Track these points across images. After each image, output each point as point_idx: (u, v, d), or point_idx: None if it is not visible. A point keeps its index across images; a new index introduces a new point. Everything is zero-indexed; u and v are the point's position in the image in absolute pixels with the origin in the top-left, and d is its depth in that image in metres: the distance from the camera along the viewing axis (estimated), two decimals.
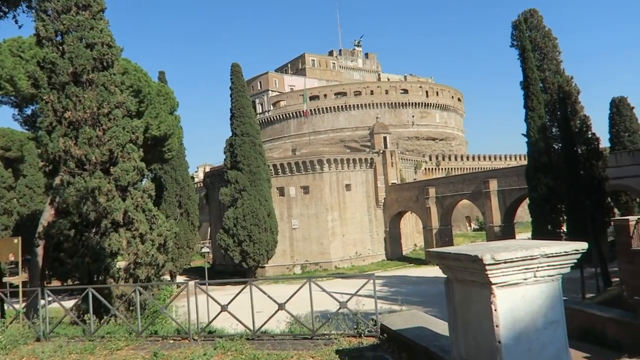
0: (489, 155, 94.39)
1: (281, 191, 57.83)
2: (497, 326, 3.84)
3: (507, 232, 48.32)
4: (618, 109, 54.24)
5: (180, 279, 48.71)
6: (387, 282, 41.86)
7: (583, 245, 4.10)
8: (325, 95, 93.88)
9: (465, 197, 54.57)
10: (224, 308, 6.66)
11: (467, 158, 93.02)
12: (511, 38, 35.91)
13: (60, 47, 17.35)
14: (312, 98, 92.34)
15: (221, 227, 49.45)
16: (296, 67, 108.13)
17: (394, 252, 60.29)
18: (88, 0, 17.76)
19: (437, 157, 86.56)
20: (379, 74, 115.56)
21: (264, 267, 51.95)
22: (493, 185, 49.69)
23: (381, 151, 62.40)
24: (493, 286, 3.85)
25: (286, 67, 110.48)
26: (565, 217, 31.85)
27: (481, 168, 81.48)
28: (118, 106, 18.03)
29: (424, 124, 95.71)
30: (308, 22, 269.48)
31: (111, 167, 17.53)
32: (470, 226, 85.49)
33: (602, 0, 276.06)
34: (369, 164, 61.47)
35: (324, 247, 56.68)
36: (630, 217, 14.29)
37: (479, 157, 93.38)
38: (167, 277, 44.30)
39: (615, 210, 47.20)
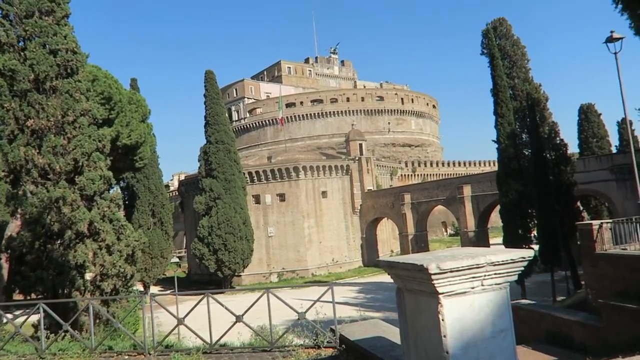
0: (464, 162, 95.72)
1: (257, 199, 57.51)
2: (444, 336, 3.78)
3: (481, 237, 48.92)
4: (586, 115, 55.69)
5: (154, 289, 47.84)
6: (363, 288, 41.87)
7: (529, 253, 4.09)
8: (301, 103, 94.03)
9: (440, 202, 55.10)
10: (180, 321, 6.47)
11: (443, 164, 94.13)
12: (481, 46, 36.57)
13: (23, 54, 16.91)
14: (289, 105, 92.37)
15: (196, 236, 48.83)
16: (272, 74, 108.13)
17: (371, 259, 60.45)
18: (51, 6, 17.38)
19: (412, 164, 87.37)
20: (355, 82, 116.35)
21: (240, 275, 51.43)
22: (467, 190, 50.30)
23: (357, 158, 62.71)
24: (440, 296, 3.80)
25: (262, 74, 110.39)
26: (535, 222, 32.42)
27: (456, 174, 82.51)
28: (84, 114, 17.63)
29: (399, 130, 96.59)
30: (284, 29, 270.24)
31: (76, 177, 17.09)
32: (447, 231, 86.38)
33: (569, 7, 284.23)
34: (345, 171, 61.69)
35: (300, 255, 56.48)
36: (593, 222, 14.57)
37: (454, 163, 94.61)
38: (140, 288, 43.45)
39: (585, 214, 48.34)
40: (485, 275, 3.89)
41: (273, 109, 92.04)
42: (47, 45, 17.02)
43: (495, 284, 3.96)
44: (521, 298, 24.47)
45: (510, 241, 31.32)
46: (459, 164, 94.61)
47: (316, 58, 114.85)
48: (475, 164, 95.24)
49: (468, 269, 3.78)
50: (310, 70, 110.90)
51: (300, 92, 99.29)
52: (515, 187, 31.67)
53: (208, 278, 50.76)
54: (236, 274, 48.67)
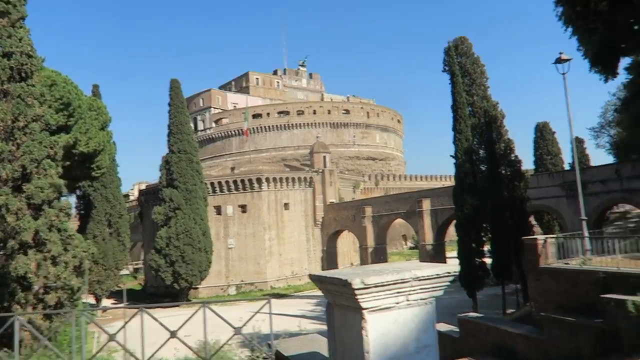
0: (426, 176, 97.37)
1: (218, 210, 56.91)
2: (367, 352, 3.79)
3: (439, 250, 49.82)
4: (541, 133, 57.77)
5: (107, 302, 46.21)
6: (320, 301, 41.66)
7: (455, 268, 4.15)
8: (268, 114, 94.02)
9: (400, 216, 55.77)
10: (111, 337, 6.24)
11: (405, 178, 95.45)
12: (443, 63, 37.42)
13: None
14: (256, 116, 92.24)
15: (153, 247, 47.70)
16: (240, 85, 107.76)
17: None
18: (7, 7, 16.80)
19: (376, 177, 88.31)
20: (323, 94, 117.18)
21: (197, 288, 50.48)
22: (426, 204, 51.15)
23: (320, 170, 62.94)
24: (364, 311, 3.80)
25: (230, 84, 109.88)
26: (489, 236, 33.22)
27: (418, 188, 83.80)
28: (36, 119, 17.02)
29: (364, 144, 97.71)
30: (254, 41, 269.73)
31: (24, 184, 16.42)
32: (407, 244, 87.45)
33: (528, 26, 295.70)
34: (308, 183, 61.78)
35: (260, 267, 56.07)
36: (538, 237, 15.11)
37: (416, 177, 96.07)
38: (92, 301, 41.95)
39: (539, 228, 49.88)
40: (410, 291, 3.91)
41: (239, 119, 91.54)
42: (0, 48, 16.43)
43: (421, 299, 4.00)
44: (472, 311, 24.99)
45: (465, 255, 31.96)
46: (421, 178, 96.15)
47: (285, 70, 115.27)
48: (436, 178, 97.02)
49: (393, 284, 3.80)
50: (278, 82, 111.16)
51: (267, 104, 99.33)
52: (470, 202, 32.43)
53: (164, 290, 49.54)
54: (193, 286, 47.74)
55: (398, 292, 3.90)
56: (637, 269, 11.82)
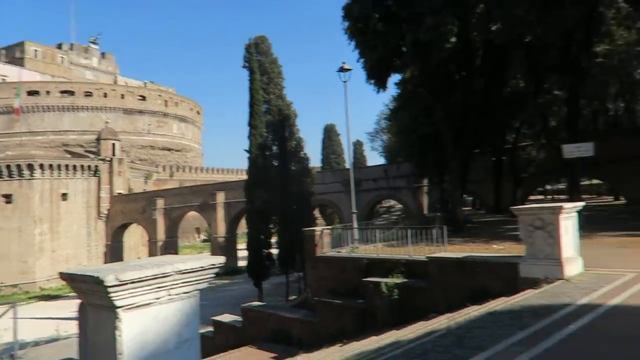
0: (222, 169, 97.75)
1: None
2: (120, 354, 3.54)
3: (231, 242, 50.93)
4: (329, 134, 63.64)
5: None
6: None
7: (220, 260, 4.15)
8: (48, 92, 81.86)
9: (193, 208, 55.11)
10: None
11: (202, 170, 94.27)
12: (244, 60, 38.08)
13: None
14: (32, 93, 79.69)
15: None
16: (12, 55, 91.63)
17: None
18: None
19: (171, 168, 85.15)
20: (116, 77, 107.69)
21: None
22: (220, 197, 51.57)
23: (108, 159, 57.98)
24: (119, 309, 3.54)
25: None
26: (278, 228, 35.16)
27: (214, 180, 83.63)
28: None
29: (160, 133, 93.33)
30: (34, 7, 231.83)
31: None
32: (200, 237, 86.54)
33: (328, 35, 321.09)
34: (92, 172, 56.32)
35: (27, 266, 49.17)
36: (315, 228, 16.65)
37: (212, 170, 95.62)
38: None
39: (322, 220, 54.83)
40: (172, 285, 3.79)
41: (9, 95, 77.26)
42: None
43: (184, 293, 3.91)
44: (258, 300, 26.12)
45: (253, 246, 33.24)
46: (217, 171, 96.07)
47: (72, 45, 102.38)
48: (232, 171, 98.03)
49: (153, 279, 3.63)
50: (63, 58, 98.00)
51: (47, 80, 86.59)
52: (261, 196, 33.78)
53: None
54: None
55: (159, 287, 3.75)
56: (391, 255, 13.91)
